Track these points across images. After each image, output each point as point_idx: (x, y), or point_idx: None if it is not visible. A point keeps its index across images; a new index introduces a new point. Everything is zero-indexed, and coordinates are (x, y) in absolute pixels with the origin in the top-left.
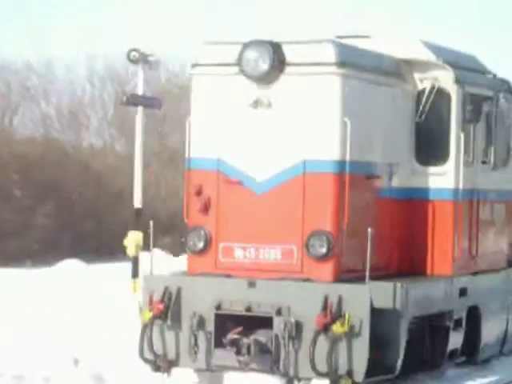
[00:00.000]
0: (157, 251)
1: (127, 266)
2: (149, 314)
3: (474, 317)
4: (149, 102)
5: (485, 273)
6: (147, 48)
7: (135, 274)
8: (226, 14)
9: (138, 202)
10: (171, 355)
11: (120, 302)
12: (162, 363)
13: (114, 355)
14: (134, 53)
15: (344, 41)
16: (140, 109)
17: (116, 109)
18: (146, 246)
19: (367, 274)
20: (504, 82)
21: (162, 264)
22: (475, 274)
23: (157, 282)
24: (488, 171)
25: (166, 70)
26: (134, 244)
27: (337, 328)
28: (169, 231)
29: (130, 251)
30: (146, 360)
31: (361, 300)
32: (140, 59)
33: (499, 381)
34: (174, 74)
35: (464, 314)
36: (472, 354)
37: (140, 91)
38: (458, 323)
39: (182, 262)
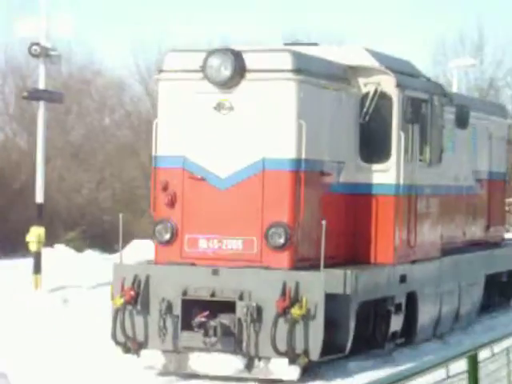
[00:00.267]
0: (61, 247)
1: (30, 262)
2: (120, 300)
3: (411, 302)
4: (51, 97)
5: (421, 261)
6: (49, 42)
7: (37, 270)
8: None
9: (40, 198)
10: (140, 338)
11: (22, 298)
12: (132, 345)
13: (19, 350)
14: (35, 47)
15: (293, 48)
16: (42, 103)
17: (18, 103)
18: (48, 242)
19: (322, 262)
20: (437, 85)
21: (65, 260)
22: (413, 262)
23: (127, 270)
24: (424, 168)
25: (68, 65)
26: (36, 240)
27: (295, 311)
28: (72, 227)
29: (32, 247)
30: (117, 343)
31: (316, 286)
32: (41, 53)
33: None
34: (77, 69)
35: (404, 299)
36: (410, 336)
37: (42, 85)
38: (398, 307)
39: (87, 258)
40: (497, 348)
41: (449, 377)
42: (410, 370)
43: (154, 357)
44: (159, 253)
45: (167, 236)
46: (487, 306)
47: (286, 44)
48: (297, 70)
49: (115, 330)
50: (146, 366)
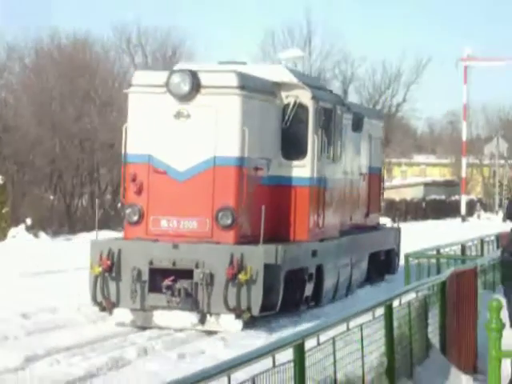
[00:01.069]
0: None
1: None
2: (98, 269)
3: (319, 272)
4: None
5: (327, 240)
6: None
7: None
8: None
9: None
10: (113, 299)
11: None
12: (107, 305)
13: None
14: None
15: (225, 66)
16: None
17: None
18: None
19: (261, 238)
20: (338, 96)
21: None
22: (321, 240)
23: (103, 244)
24: (329, 164)
25: None
26: None
27: (242, 276)
28: None
29: None
30: (96, 303)
31: (257, 257)
32: None
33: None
34: None
35: (314, 270)
36: (318, 300)
37: None
38: (310, 277)
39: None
40: (323, 337)
41: (275, 366)
42: (235, 361)
43: (124, 314)
44: (128, 231)
45: (135, 217)
46: (368, 279)
47: (220, 62)
48: (241, 87)
49: (95, 293)
50: (118, 322)
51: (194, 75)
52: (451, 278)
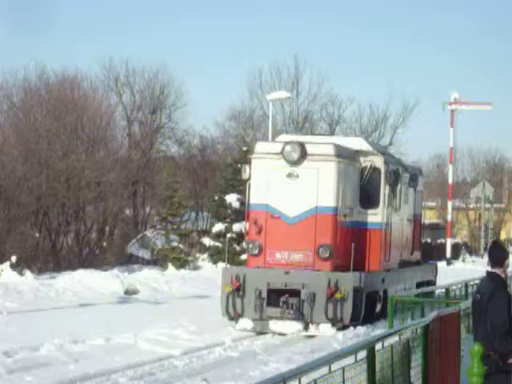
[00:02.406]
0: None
1: None
2: (230, 288)
3: (385, 294)
4: None
5: (391, 270)
6: None
7: None
8: None
9: None
10: (240, 310)
11: None
12: (234, 315)
13: None
14: None
15: (319, 137)
16: None
17: None
18: None
19: (351, 267)
20: (399, 159)
21: None
22: (387, 270)
23: (232, 270)
24: (393, 212)
25: None
26: None
27: (337, 295)
28: None
29: None
30: (227, 313)
31: (348, 281)
32: None
33: None
34: None
35: (382, 293)
36: (384, 315)
37: None
38: (379, 298)
39: None
40: (305, 379)
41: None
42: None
43: (246, 323)
44: (250, 261)
45: (256, 251)
46: None
47: (314, 134)
48: (336, 155)
49: (227, 306)
50: (241, 328)
51: (302, 146)
52: (435, 321)
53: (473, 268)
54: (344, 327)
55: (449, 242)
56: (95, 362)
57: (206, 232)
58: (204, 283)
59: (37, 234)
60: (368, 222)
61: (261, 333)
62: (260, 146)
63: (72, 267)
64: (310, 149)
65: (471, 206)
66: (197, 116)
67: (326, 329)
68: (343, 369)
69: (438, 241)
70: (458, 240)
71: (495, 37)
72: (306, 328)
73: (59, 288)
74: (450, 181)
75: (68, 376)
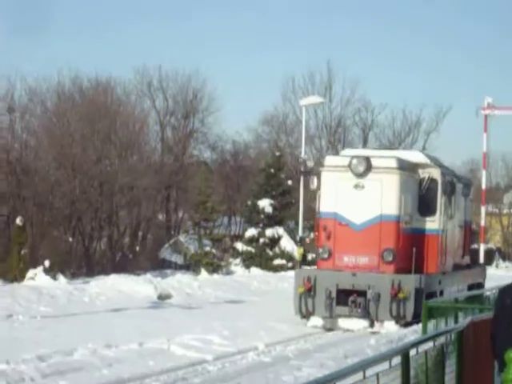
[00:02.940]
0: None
1: None
2: (302, 289)
3: (441, 295)
4: None
5: (446, 273)
6: None
7: None
8: None
9: None
10: (311, 309)
11: None
12: (306, 314)
13: None
14: None
15: (382, 151)
16: None
17: None
18: None
19: (413, 270)
20: (452, 170)
21: None
22: (443, 273)
23: (305, 272)
24: (448, 220)
25: None
26: None
27: (400, 295)
28: None
29: None
30: (299, 312)
31: (410, 282)
32: None
33: None
34: None
35: (438, 293)
36: None
37: None
38: (434, 297)
39: None
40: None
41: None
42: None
43: (317, 320)
44: (320, 264)
45: (326, 255)
46: None
47: (377, 148)
48: (399, 168)
49: (300, 305)
50: (313, 325)
51: (367, 160)
52: (468, 327)
53: (504, 274)
54: (406, 324)
55: (482, 248)
56: (129, 366)
57: (238, 237)
58: (237, 288)
59: (70, 239)
60: (426, 229)
61: (330, 329)
62: (329, 160)
63: (105, 272)
64: (374, 162)
65: (504, 211)
66: (229, 121)
67: (390, 326)
68: (377, 375)
69: (472, 246)
70: (492, 245)
71: None
72: (372, 325)
73: (92, 293)
74: (484, 186)
75: (101, 381)
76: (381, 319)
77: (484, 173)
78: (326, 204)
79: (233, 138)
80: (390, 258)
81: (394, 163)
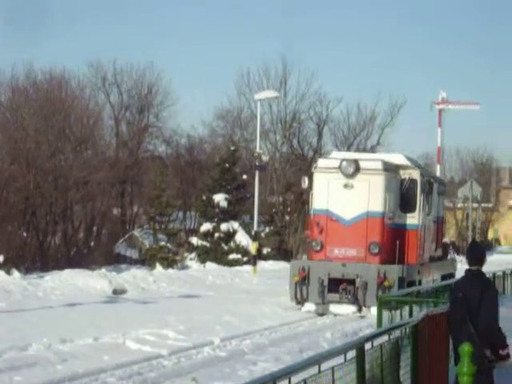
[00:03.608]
0: None
1: None
2: (297, 278)
3: (420, 283)
4: None
5: (424, 263)
6: None
7: None
8: None
9: None
10: (305, 296)
11: None
12: (301, 300)
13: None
14: None
15: (366, 154)
16: None
17: None
18: None
19: (396, 261)
20: (429, 171)
21: None
22: (421, 264)
23: (299, 263)
24: (426, 216)
25: None
26: None
27: (386, 283)
28: None
29: None
30: (295, 299)
31: (394, 272)
32: None
33: None
34: None
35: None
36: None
37: None
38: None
39: None
40: (295, 379)
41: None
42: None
43: (311, 306)
44: (313, 255)
45: (318, 247)
46: None
47: (359, 151)
48: (384, 169)
49: (295, 293)
50: (307, 311)
51: (356, 162)
52: (423, 321)
53: (459, 267)
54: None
55: None
56: (84, 361)
57: (193, 231)
58: (192, 283)
59: (24, 234)
60: (407, 224)
61: (321, 314)
62: (321, 162)
63: (59, 267)
64: (362, 164)
65: (459, 205)
66: (184, 115)
67: (376, 311)
68: (332, 368)
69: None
70: (446, 239)
71: (484, 36)
72: (360, 310)
73: (47, 287)
74: None
75: (57, 375)
76: (368, 305)
77: (438, 167)
78: (319, 202)
79: (188, 132)
80: (376, 251)
81: (379, 165)
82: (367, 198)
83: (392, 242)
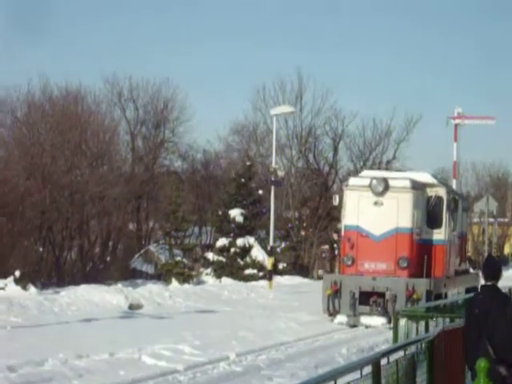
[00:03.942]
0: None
1: None
2: (329, 291)
3: (446, 296)
4: None
5: (450, 277)
6: None
7: None
8: None
9: None
10: (337, 308)
11: None
12: (333, 312)
13: None
14: None
15: (396, 173)
16: None
17: None
18: None
19: (424, 274)
20: (454, 189)
21: None
22: (448, 277)
23: (331, 277)
24: (452, 232)
25: None
26: None
27: (414, 296)
28: None
29: None
30: (327, 311)
31: (422, 285)
32: None
33: None
34: None
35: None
36: None
37: None
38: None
39: None
40: None
41: None
42: None
43: (342, 318)
44: (345, 269)
45: (349, 262)
46: None
47: (397, 170)
48: (412, 188)
49: (328, 305)
50: (339, 322)
51: (385, 181)
52: (439, 336)
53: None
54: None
55: None
56: (99, 376)
57: (209, 246)
58: (208, 298)
59: (40, 249)
60: (433, 240)
61: (353, 325)
62: (352, 180)
63: (75, 282)
64: (391, 182)
65: (475, 220)
66: (200, 130)
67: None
68: None
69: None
70: (469, 254)
71: (500, 50)
72: (389, 322)
73: (63, 303)
74: None
75: None
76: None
77: (454, 182)
78: (350, 218)
79: (203, 147)
80: (405, 265)
81: (408, 184)
82: (396, 214)
83: (420, 256)
